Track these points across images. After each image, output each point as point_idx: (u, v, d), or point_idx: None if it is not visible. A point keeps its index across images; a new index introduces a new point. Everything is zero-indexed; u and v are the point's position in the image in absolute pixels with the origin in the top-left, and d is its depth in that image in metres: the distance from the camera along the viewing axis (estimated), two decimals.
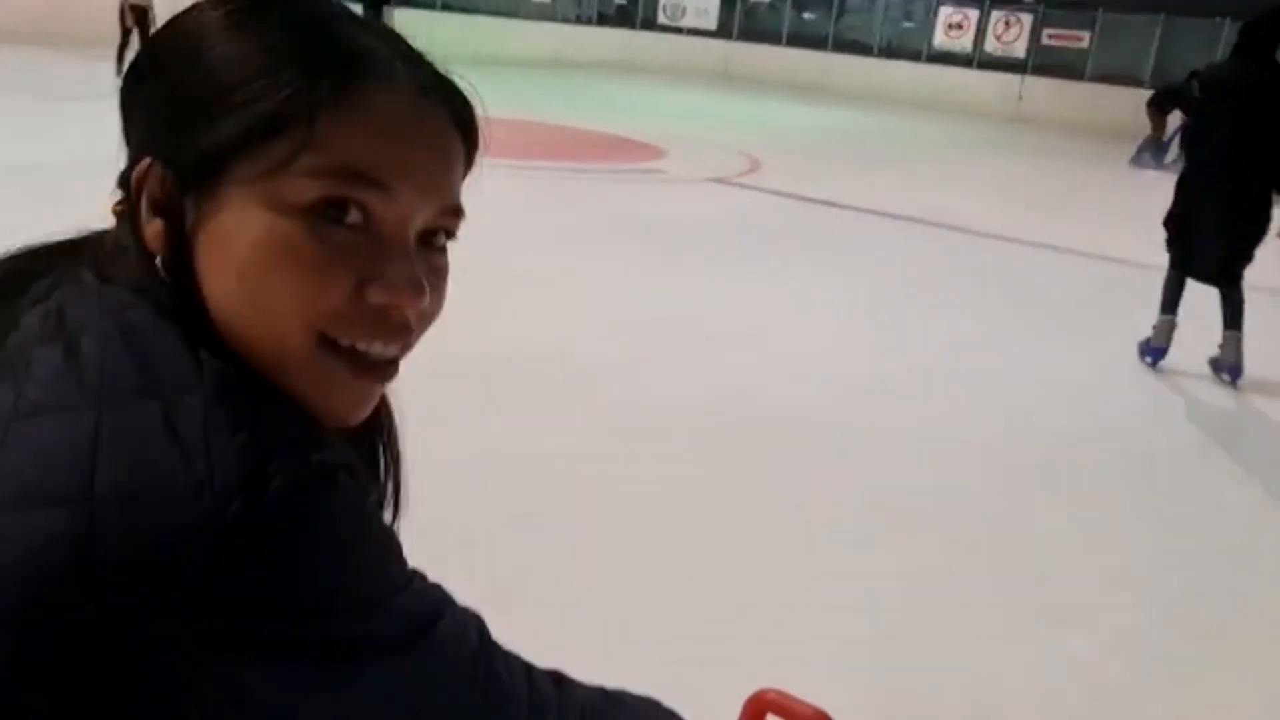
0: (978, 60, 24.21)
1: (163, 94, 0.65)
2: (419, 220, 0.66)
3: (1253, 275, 5.10)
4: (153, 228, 0.64)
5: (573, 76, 21.17)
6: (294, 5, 0.66)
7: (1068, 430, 4.37)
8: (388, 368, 0.68)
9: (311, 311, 0.62)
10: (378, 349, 0.66)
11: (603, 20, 27.71)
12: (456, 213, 0.70)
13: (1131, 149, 14.84)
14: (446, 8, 23.31)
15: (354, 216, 0.62)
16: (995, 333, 5.75)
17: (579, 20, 27.13)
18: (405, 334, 0.67)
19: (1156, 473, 4.08)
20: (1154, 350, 5.26)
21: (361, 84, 0.62)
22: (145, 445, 0.55)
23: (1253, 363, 5.02)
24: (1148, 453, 4.27)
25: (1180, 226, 5.14)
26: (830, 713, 0.97)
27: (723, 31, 27.51)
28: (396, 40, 0.68)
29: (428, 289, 0.66)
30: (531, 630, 2.62)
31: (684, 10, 27.68)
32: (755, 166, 11.18)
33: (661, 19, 27.92)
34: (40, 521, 0.53)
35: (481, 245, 5.40)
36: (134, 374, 0.58)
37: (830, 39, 26.37)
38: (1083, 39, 22.74)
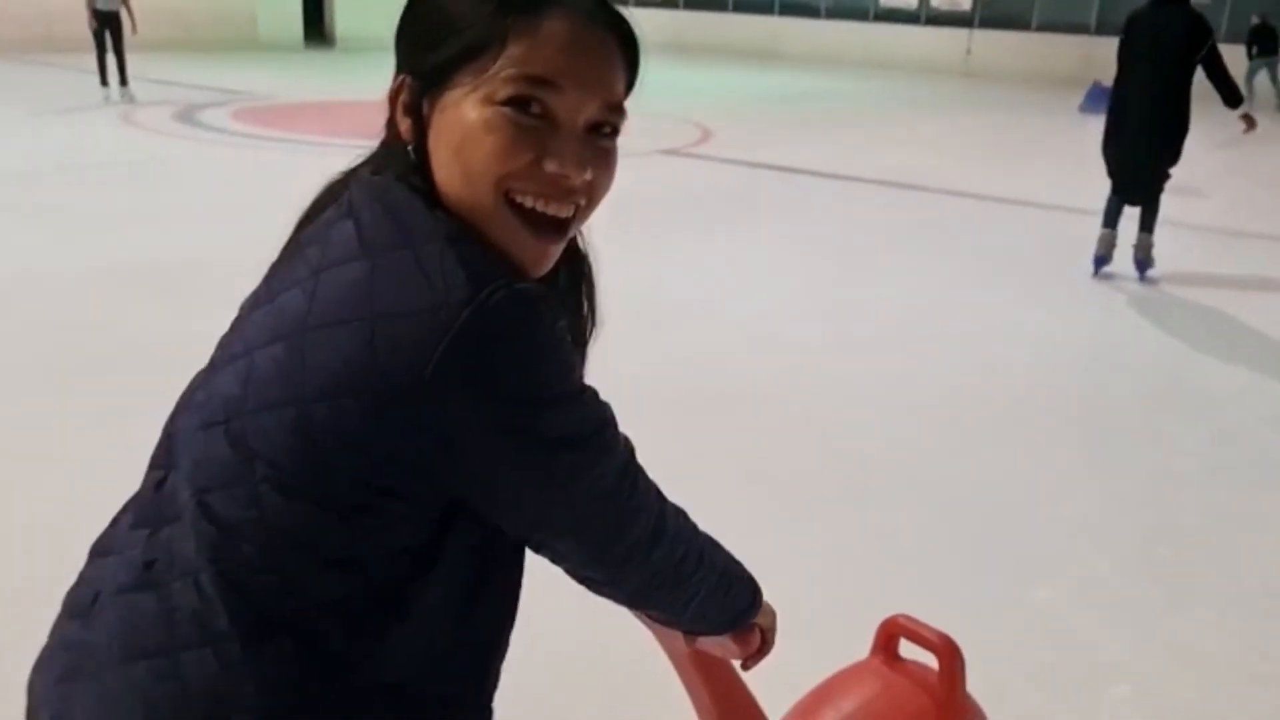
0: (925, 16, 24.15)
1: (409, 27, 0.92)
2: (586, 113, 0.89)
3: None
4: (404, 125, 0.92)
5: None
6: None
7: (1028, 381, 4.40)
8: (560, 227, 0.91)
9: (500, 173, 0.86)
10: (551, 209, 0.89)
11: None
12: (618, 109, 0.92)
13: (1080, 96, 14.97)
14: None
15: (535, 109, 0.86)
16: (954, 289, 5.76)
17: None
18: (573, 198, 0.90)
19: (1113, 419, 4.11)
20: (1096, 259, 6.04)
21: (540, 13, 0.86)
22: (402, 280, 0.82)
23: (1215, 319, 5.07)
24: (1106, 400, 4.30)
25: (1109, 155, 5.88)
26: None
27: (670, 1, 27.32)
28: None
29: (590, 166, 0.89)
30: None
31: None
32: (707, 136, 11.15)
33: None
34: (343, 333, 0.81)
35: None
36: (393, 233, 0.85)
37: (777, 3, 26.24)
38: None
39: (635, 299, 5.25)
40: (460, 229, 0.85)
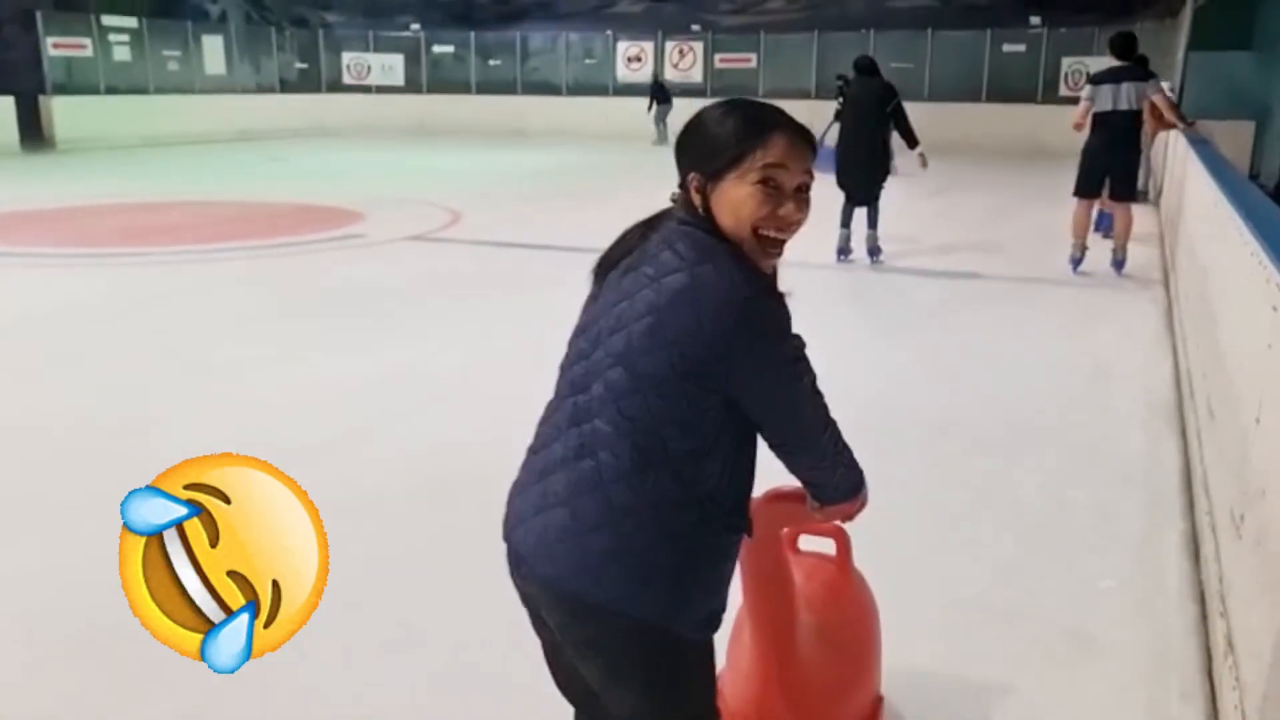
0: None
1: (692, 148, 1.66)
2: (796, 180, 1.62)
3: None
4: (697, 199, 1.64)
5: (260, 148, 20.47)
6: (739, 106, 1.66)
7: None
8: (782, 246, 1.64)
9: (755, 219, 1.60)
10: (780, 236, 1.63)
11: (285, 87, 26.90)
12: (810, 174, 1.64)
13: None
14: (112, 91, 21.95)
15: (772, 184, 1.60)
16: None
17: (260, 89, 26.18)
18: (791, 230, 1.63)
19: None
20: (839, 251, 8.60)
21: (771, 134, 1.61)
22: (710, 283, 1.54)
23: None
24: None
25: (841, 179, 8.54)
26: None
27: (412, 86, 27.43)
28: (780, 110, 1.65)
29: (802, 210, 1.63)
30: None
31: (369, 69, 27.40)
32: (455, 219, 11.23)
33: (347, 79, 27.50)
34: (683, 312, 1.54)
35: (171, 341, 5.22)
36: (700, 255, 1.57)
37: (519, 83, 26.87)
38: (750, 60, 24.35)
39: (387, 389, 5.23)
40: (734, 252, 1.60)
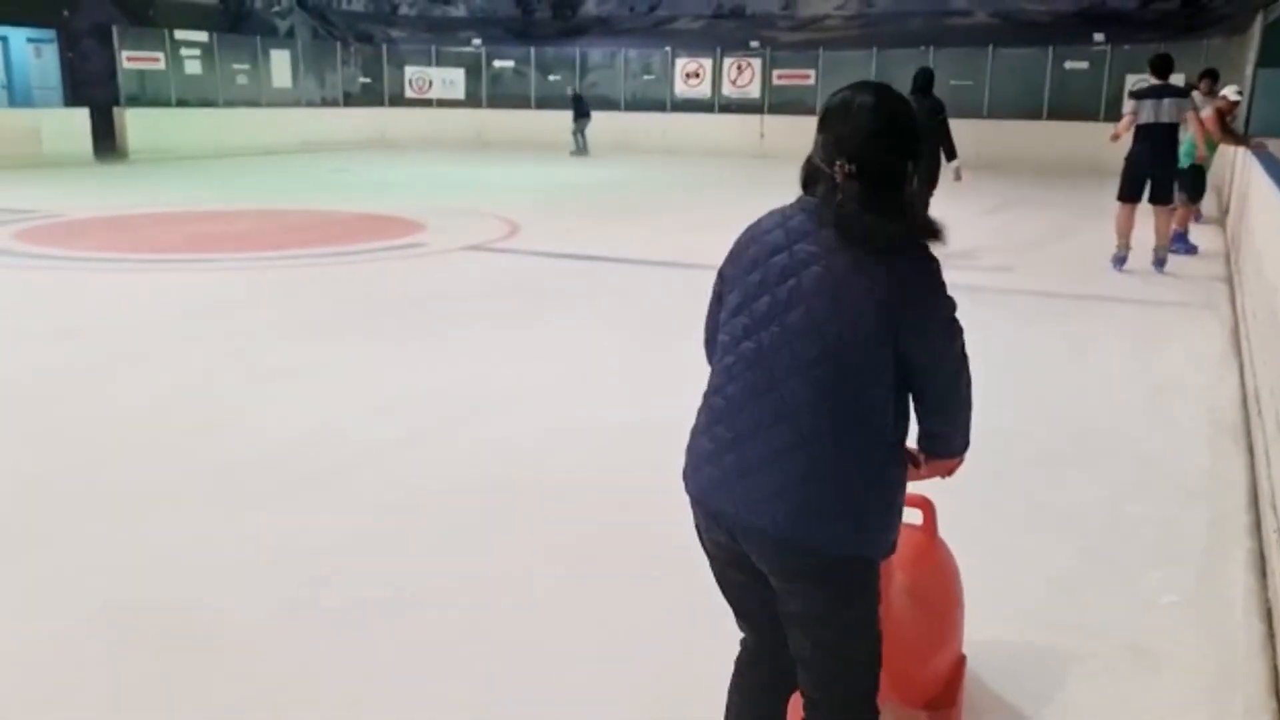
0: (718, 104, 25.42)
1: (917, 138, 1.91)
2: None
3: None
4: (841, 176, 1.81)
5: (323, 159, 20.85)
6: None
7: None
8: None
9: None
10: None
11: (349, 100, 27.40)
12: None
13: None
14: (182, 103, 22.52)
15: None
16: None
17: (324, 103, 26.69)
18: None
19: None
20: None
21: None
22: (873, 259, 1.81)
23: None
24: None
25: None
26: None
27: (472, 100, 27.76)
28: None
29: None
30: (336, 715, 2.60)
31: (430, 83, 27.78)
32: (514, 230, 11.35)
33: (409, 93, 27.91)
34: (856, 284, 1.77)
35: (235, 345, 5.38)
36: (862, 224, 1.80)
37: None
38: (809, 76, 24.29)
39: (446, 397, 5.31)
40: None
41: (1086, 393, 5.50)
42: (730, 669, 2.13)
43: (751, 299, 1.86)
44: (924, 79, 9.21)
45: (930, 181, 8.49)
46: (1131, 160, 8.87)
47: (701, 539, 1.98)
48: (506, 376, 5.70)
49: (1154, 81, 8.82)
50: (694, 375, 5.95)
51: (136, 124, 20.85)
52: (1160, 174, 8.78)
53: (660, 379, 5.68)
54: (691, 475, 1.93)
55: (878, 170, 1.79)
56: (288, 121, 23.98)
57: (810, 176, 1.88)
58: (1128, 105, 8.96)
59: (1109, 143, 9.18)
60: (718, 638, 2.49)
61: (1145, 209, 8.89)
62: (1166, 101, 8.60)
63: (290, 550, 3.51)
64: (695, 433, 1.95)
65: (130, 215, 12.39)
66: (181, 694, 2.69)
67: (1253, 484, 4.13)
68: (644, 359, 6.17)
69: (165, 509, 3.86)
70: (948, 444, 1.97)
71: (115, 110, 20.88)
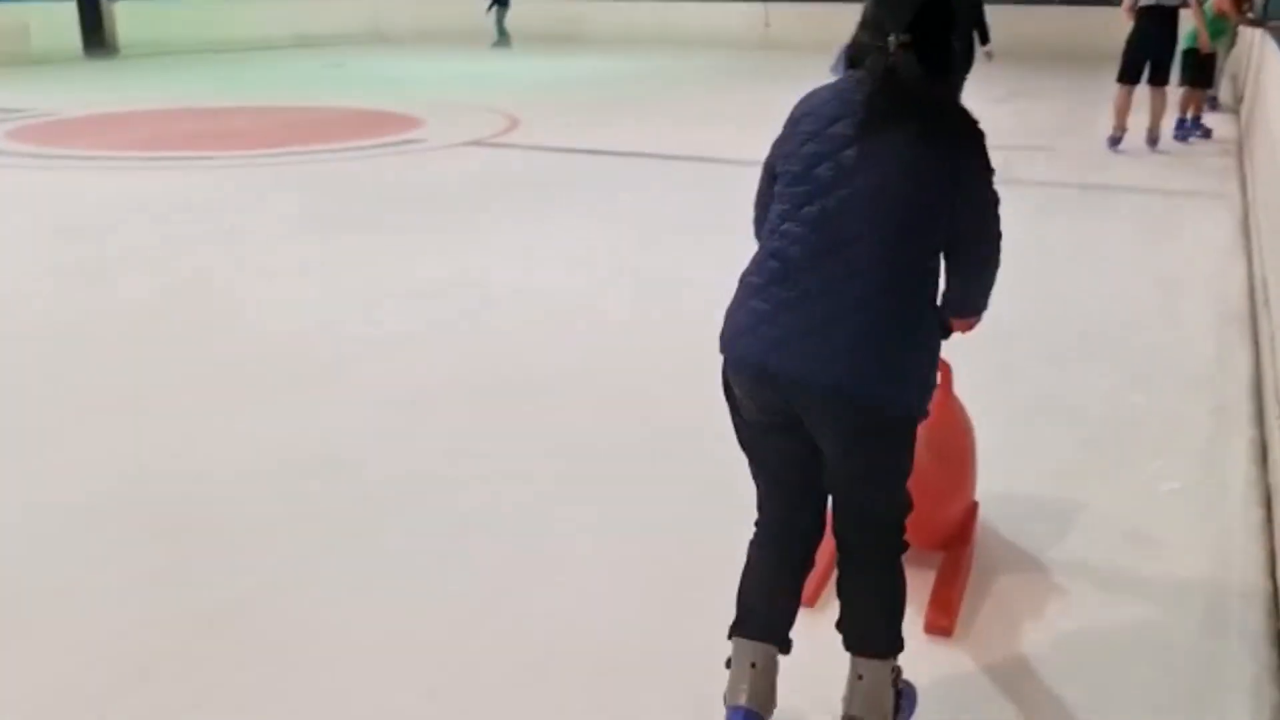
0: None
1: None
2: None
3: None
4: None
5: (319, 54, 20.41)
6: None
7: None
8: None
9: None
10: None
11: None
12: None
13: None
14: None
15: None
16: (743, 258, 5.98)
17: None
18: None
19: None
20: None
21: None
22: (947, 129, 1.93)
23: None
24: None
25: None
26: None
27: None
28: None
29: None
30: (344, 603, 2.63)
31: None
32: (514, 124, 11.17)
33: None
34: (928, 156, 1.88)
35: (237, 242, 5.32)
36: (942, 110, 1.96)
37: None
38: None
39: (449, 291, 5.29)
40: (962, 108, 1.97)
41: (1094, 284, 5.46)
42: (734, 550, 2.14)
43: (811, 167, 1.90)
44: None
45: (966, 64, 9.06)
46: (1132, 42, 8.98)
47: (739, 407, 2.01)
48: (507, 273, 5.66)
49: None
50: (698, 272, 5.92)
51: (127, 18, 20.38)
52: (1159, 56, 8.92)
53: (660, 276, 5.65)
54: (737, 339, 1.94)
55: (931, 45, 1.88)
56: (281, 14, 23.37)
57: (859, 54, 1.95)
58: None
59: (1122, 23, 9.07)
60: (719, 527, 2.53)
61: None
62: None
63: (296, 445, 3.53)
64: (743, 298, 1.96)
65: (124, 113, 12.20)
66: (191, 582, 2.73)
67: (1257, 373, 4.13)
68: (644, 254, 6.12)
69: (170, 406, 3.87)
70: (975, 305, 2.11)
71: (104, 4, 20.37)
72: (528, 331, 4.70)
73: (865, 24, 1.96)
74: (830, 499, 2.05)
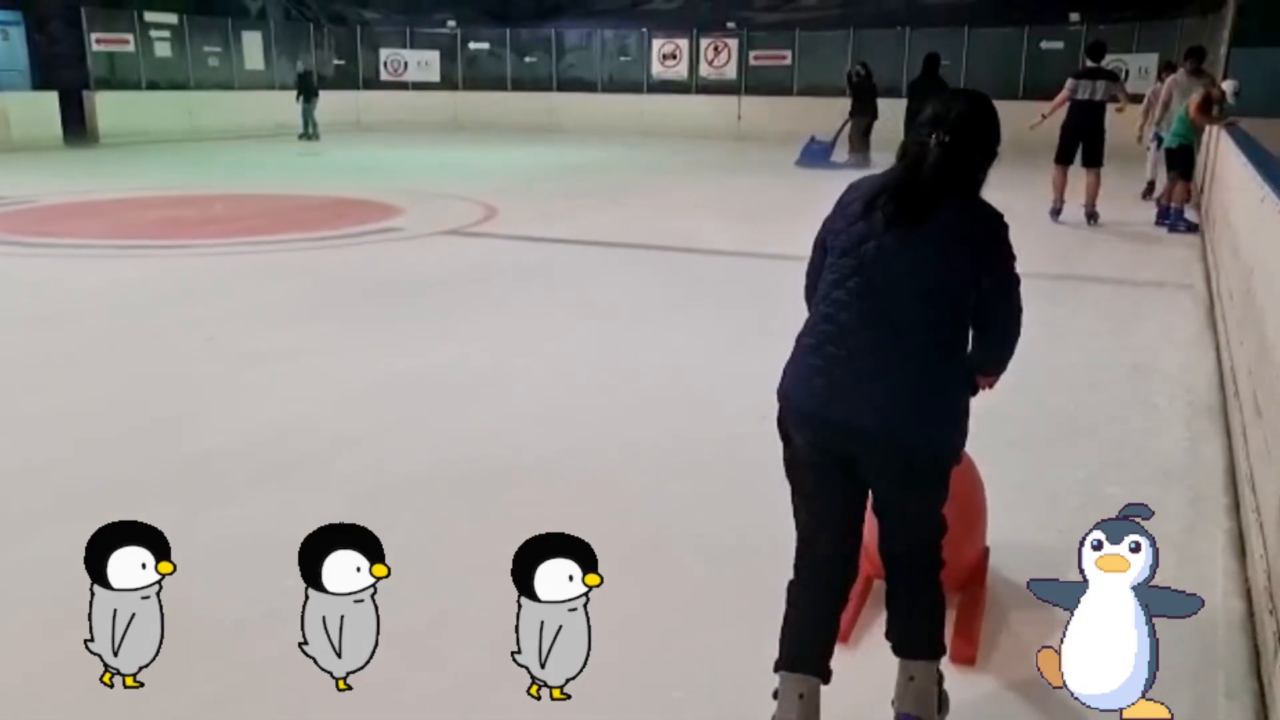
0: (696, 85, 25.38)
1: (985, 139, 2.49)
2: None
3: None
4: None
5: (298, 143, 20.63)
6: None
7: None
8: None
9: None
10: None
11: (323, 83, 26.98)
12: None
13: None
14: (153, 86, 22.23)
15: None
16: (715, 345, 6.03)
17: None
18: None
19: None
20: None
21: None
22: (980, 220, 2.31)
23: None
24: None
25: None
26: None
27: (448, 83, 27.57)
28: None
29: None
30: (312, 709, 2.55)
31: (405, 65, 27.56)
32: (491, 214, 11.28)
33: (384, 75, 27.68)
34: (956, 248, 2.25)
35: (211, 330, 5.25)
36: (970, 204, 2.34)
37: (554, 80, 26.93)
38: (785, 57, 24.27)
39: (423, 382, 5.27)
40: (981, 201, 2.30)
41: (1064, 373, 5.51)
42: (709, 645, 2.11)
43: (857, 245, 2.24)
44: (935, 63, 12.79)
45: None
46: (1067, 129, 10.71)
47: (795, 453, 2.35)
48: (484, 362, 5.66)
49: (1090, 64, 10.73)
50: (666, 356, 5.91)
51: (107, 107, 20.58)
52: (1090, 141, 10.57)
53: (631, 362, 5.66)
54: (795, 390, 2.29)
55: (965, 145, 2.24)
56: (261, 104, 23.71)
57: (903, 150, 2.30)
58: (1068, 84, 10.65)
59: (1041, 120, 10.94)
60: (715, 619, 2.50)
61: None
62: (1099, 83, 10.46)
63: (266, 542, 3.47)
64: (799, 356, 2.30)
65: (101, 201, 12.24)
66: (160, 687, 2.64)
67: (1230, 465, 4.15)
68: (614, 341, 6.13)
69: (138, 501, 3.79)
70: (1000, 365, 2.41)
71: (85, 93, 20.60)
72: (503, 422, 4.67)
73: (910, 124, 2.35)
74: (879, 526, 2.37)
